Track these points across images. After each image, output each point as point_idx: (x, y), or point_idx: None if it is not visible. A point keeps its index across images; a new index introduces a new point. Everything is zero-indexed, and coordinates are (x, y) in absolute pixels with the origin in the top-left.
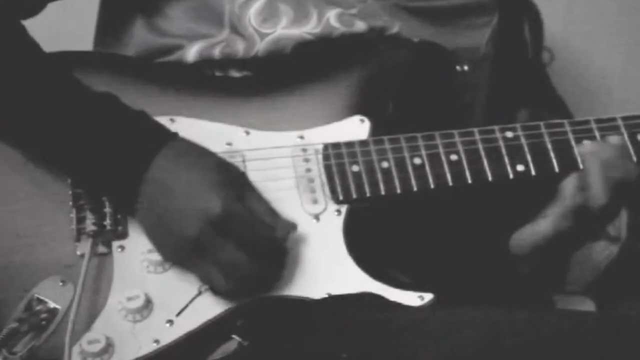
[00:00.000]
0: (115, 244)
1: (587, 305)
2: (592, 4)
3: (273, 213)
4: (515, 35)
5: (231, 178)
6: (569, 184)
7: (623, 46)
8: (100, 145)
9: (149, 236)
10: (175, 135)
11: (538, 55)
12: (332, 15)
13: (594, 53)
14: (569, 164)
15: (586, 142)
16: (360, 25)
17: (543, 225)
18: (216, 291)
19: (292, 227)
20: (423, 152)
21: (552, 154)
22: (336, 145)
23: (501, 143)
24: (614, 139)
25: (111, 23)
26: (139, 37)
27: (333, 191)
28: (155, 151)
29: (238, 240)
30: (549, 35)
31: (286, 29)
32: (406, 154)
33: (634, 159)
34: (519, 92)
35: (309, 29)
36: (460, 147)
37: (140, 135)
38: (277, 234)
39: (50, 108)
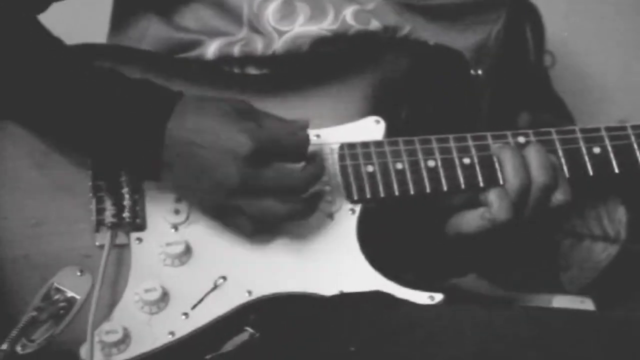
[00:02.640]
0: (134, 235)
1: (587, 305)
2: (592, 8)
3: (287, 122)
4: (517, 37)
5: (244, 111)
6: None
7: (623, 50)
8: (114, 116)
9: (182, 195)
10: (181, 93)
11: (540, 59)
12: (348, 13)
13: (595, 56)
14: (579, 170)
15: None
16: (375, 24)
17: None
18: (267, 226)
19: (305, 123)
20: (437, 155)
21: (562, 160)
22: (352, 146)
23: None
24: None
25: (125, 17)
26: (155, 32)
27: (348, 190)
28: (169, 111)
29: (278, 159)
30: (551, 39)
31: (303, 26)
32: (420, 156)
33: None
34: (521, 95)
35: (326, 25)
36: (473, 151)
37: (151, 99)
38: (299, 136)
39: (58, 87)
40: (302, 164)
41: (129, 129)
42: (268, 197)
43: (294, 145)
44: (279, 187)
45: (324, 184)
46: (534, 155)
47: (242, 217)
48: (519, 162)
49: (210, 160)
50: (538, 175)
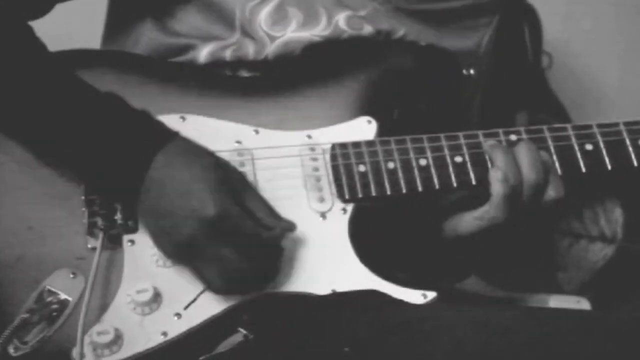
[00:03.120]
0: (126, 238)
1: (583, 305)
2: (590, 9)
3: (271, 213)
4: (514, 38)
5: (228, 178)
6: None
7: (621, 50)
8: (103, 145)
9: (150, 234)
10: (176, 134)
11: (538, 60)
12: (341, 18)
13: (593, 57)
14: (572, 167)
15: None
16: (368, 29)
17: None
18: (213, 290)
19: (290, 226)
20: (428, 154)
21: (554, 157)
22: (343, 145)
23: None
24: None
25: (120, 22)
26: (149, 37)
27: (339, 190)
28: (156, 150)
29: (232, 241)
30: (548, 40)
31: (296, 32)
32: (412, 155)
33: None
34: (518, 95)
35: (318, 31)
36: (465, 149)
37: (142, 134)
38: (273, 234)
39: (54, 109)
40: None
41: (115, 160)
42: (209, 265)
43: (255, 241)
44: (221, 264)
45: (316, 184)
46: (524, 153)
47: (195, 269)
48: (510, 160)
49: (172, 211)
50: (528, 172)
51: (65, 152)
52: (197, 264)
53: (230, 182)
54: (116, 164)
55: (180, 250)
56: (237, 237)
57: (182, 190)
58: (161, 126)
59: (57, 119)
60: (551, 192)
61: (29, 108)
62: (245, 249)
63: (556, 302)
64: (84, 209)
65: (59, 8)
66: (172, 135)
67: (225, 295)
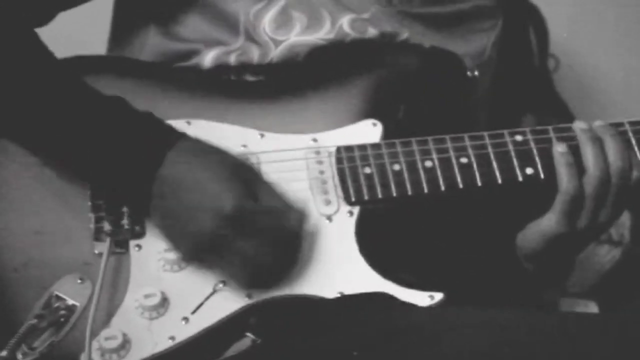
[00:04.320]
0: (133, 243)
1: (590, 308)
2: (596, 11)
3: (285, 204)
4: (520, 41)
5: (242, 173)
6: (562, 167)
7: (627, 53)
8: (111, 149)
9: (164, 235)
10: (183, 135)
11: (544, 62)
12: (345, 21)
13: (598, 59)
14: (577, 168)
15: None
16: (372, 32)
17: (545, 221)
18: (233, 285)
19: (304, 215)
20: (434, 155)
21: None
22: (349, 148)
23: (510, 147)
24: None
25: (125, 28)
26: (154, 42)
27: (345, 193)
28: (165, 151)
29: (251, 233)
30: (554, 42)
31: (300, 36)
32: (417, 157)
33: None
34: (525, 98)
35: (322, 34)
36: (470, 151)
37: (150, 136)
38: (289, 223)
39: (60, 113)
40: None
41: (123, 164)
42: (230, 260)
43: (274, 233)
44: (243, 257)
45: (322, 187)
46: (610, 141)
47: (212, 267)
48: (598, 150)
49: (188, 210)
50: (615, 160)
51: (73, 155)
52: (217, 260)
53: (243, 175)
54: (126, 165)
55: (199, 248)
56: (256, 229)
57: (196, 187)
58: (168, 126)
59: (64, 122)
60: (636, 173)
61: (34, 113)
62: (264, 240)
63: (564, 305)
64: (90, 214)
65: (64, 14)
66: (180, 135)
67: (236, 297)
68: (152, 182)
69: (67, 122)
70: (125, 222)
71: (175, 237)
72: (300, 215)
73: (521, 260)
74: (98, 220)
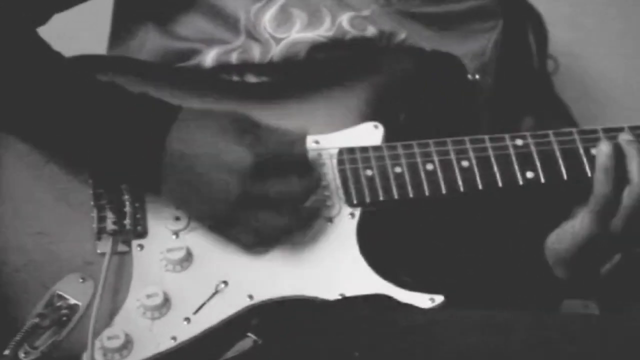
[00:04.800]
0: (135, 242)
1: (591, 309)
2: (596, 13)
3: (285, 133)
4: (519, 43)
5: (243, 125)
6: (602, 168)
7: (627, 54)
8: (113, 130)
9: (183, 208)
10: (179, 107)
11: (543, 64)
12: (344, 19)
13: (598, 61)
14: (577, 172)
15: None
16: (371, 30)
17: (577, 227)
18: (268, 238)
19: (304, 134)
20: (435, 158)
21: (560, 162)
22: (350, 151)
23: (511, 150)
24: None
25: (125, 28)
26: (154, 42)
27: (347, 195)
28: (168, 124)
29: (276, 173)
30: (554, 44)
31: (300, 33)
32: (419, 160)
33: None
34: (524, 100)
35: (322, 32)
36: (471, 154)
37: (152, 111)
38: (299, 150)
39: (60, 100)
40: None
41: (128, 144)
42: (267, 210)
43: (293, 157)
44: (278, 200)
45: (323, 191)
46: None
47: (241, 230)
48: None
49: (210, 175)
50: None
51: (75, 141)
52: (250, 213)
53: (246, 127)
54: (131, 143)
55: (229, 209)
56: (278, 165)
57: (210, 152)
58: (165, 103)
59: (65, 109)
60: None
61: (34, 104)
62: (289, 169)
63: (566, 306)
64: (93, 214)
65: (64, 14)
66: (178, 107)
67: (238, 298)
68: (160, 159)
69: (68, 108)
70: (127, 222)
71: (196, 205)
72: (301, 135)
73: (549, 265)
74: (100, 220)
